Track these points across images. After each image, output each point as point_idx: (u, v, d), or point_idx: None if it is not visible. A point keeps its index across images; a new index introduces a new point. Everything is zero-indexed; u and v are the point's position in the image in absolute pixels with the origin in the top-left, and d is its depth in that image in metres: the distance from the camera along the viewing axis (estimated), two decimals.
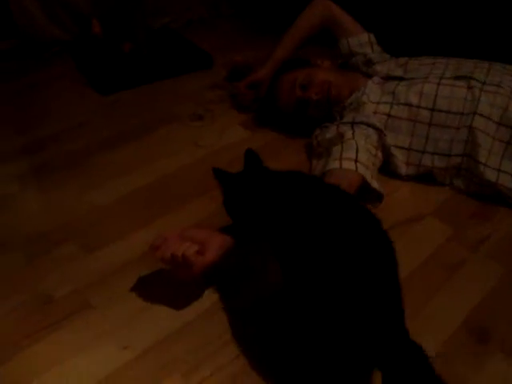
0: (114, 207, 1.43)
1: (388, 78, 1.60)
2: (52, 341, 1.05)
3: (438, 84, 1.48)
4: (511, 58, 1.59)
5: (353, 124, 1.49)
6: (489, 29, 1.91)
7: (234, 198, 0.99)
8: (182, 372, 1.00)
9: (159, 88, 2.06)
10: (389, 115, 1.51)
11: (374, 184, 1.38)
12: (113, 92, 2.01)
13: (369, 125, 1.49)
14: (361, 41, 1.77)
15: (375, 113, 1.53)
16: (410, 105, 1.49)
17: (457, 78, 1.48)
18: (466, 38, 1.92)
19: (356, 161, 1.36)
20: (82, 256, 1.26)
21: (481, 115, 1.42)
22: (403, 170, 1.52)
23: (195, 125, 1.81)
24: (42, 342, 1.05)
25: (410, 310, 1.12)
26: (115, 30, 2.30)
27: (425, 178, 1.53)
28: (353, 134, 1.45)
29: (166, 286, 1.17)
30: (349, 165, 1.35)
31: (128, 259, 1.25)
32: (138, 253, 1.26)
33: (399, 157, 1.52)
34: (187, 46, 2.31)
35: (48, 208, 1.43)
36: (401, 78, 1.56)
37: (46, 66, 2.24)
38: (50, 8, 2.29)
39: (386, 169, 1.54)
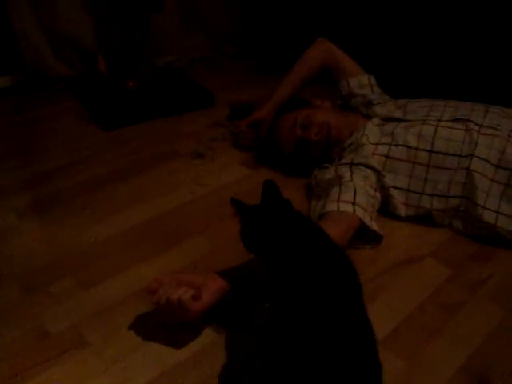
0: (113, 243, 1.43)
1: (387, 119, 1.62)
2: (46, 378, 1.04)
3: (437, 126, 1.49)
4: (508, 101, 1.62)
5: (351, 165, 1.51)
6: (486, 72, 1.95)
7: (251, 230, 0.98)
8: None
9: (161, 125, 2.09)
10: (387, 156, 1.52)
11: (374, 226, 1.39)
12: (115, 128, 2.04)
13: (367, 166, 1.50)
14: (361, 82, 1.80)
15: (374, 154, 1.54)
16: (408, 146, 1.50)
17: (455, 120, 1.50)
18: (464, 82, 1.96)
19: (354, 203, 1.36)
20: (79, 292, 1.26)
21: (478, 158, 1.43)
22: (402, 211, 1.53)
23: (196, 163, 1.83)
24: (40, 377, 1.04)
25: (408, 352, 1.12)
26: (120, 68, 2.34)
27: (424, 219, 1.53)
28: (351, 175, 1.46)
29: (163, 323, 1.16)
30: (346, 207, 1.35)
31: (125, 295, 1.24)
32: (135, 289, 1.25)
33: (398, 198, 1.52)
34: (190, 84, 2.35)
35: (47, 242, 1.43)
36: (400, 120, 1.58)
37: (51, 101, 2.28)
38: (57, 44, 2.34)
39: (385, 209, 1.54)
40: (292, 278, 0.86)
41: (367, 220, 1.37)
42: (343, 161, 1.56)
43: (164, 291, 1.07)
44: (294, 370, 0.76)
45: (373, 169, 1.50)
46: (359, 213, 1.35)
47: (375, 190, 1.49)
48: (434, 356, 1.12)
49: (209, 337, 1.14)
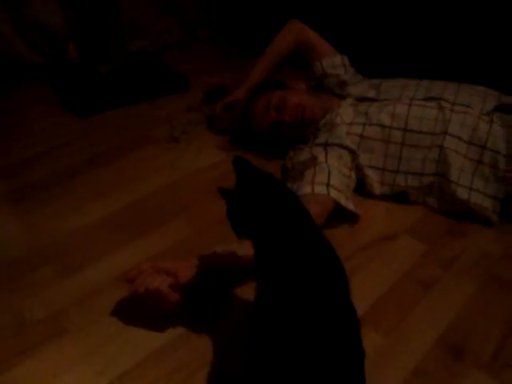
0: (92, 229, 1.43)
1: (361, 99, 1.63)
2: (27, 367, 1.04)
3: (410, 105, 1.51)
4: (480, 79, 1.64)
5: (326, 146, 1.52)
6: (458, 51, 1.96)
7: (235, 213, 0.95)
8: None
9: (136, 111, 2.07)
10: (361, 136, 1.54)
11: (350, 206, 1.40)
12: (90, 114, 2.02)
13: (342, 146, 1.51)
14: (334, 62, 1.81)
15: (348, 133, 1.55)
16: (382, 125, 1.52)
17: (427, 99, 1.52)
18: (436, 60, 1.97)
19: (328, 185, 1.37)
20: (58, 279, 1.25)
21: (451, 135, 1.45)
22: (378, 189, 1.55)
23: (171, 147, 1.82)
24: (17, 368, 1.03)
25: (386, 327, 1.15)
26: (92, 53, 2.31)
27: (398, 196, 1.55)
28: (326, 156, 1.47)
29: (143, 309, 1.17)
30: (321, 189, 1.36)
31: (105, 282, 1.24)
32: (115, 275, 1.25)
33: (373, 177, 1.54)
34: (163, 68, 2.33)
35: (25, 231, 1.42)
36: (374, 100, 1.59)
37: (22, 89, 2.24)
38: (26, 32, 2.30)
39: (361, 189, 1.56)
40: (277, 260, 0.85)
41: (343, 201, 1.38)
42: (318, 141, 1.56)
43: (142, 280, 1.08)
44: (279, 350, 0.77)
45: (347, 149, 1.51)
46: (334, 194, 1.37)
47: (350, 169, 1.50)
48: (411, 330, 1.14)
49: (189, 322, 1.14)
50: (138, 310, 1.16)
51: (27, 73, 2.34)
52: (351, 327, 0.82)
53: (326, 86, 1.82)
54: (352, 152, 1.51)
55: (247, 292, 1.17)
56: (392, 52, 2.12)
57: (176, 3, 2.71)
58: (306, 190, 1.37)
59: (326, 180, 1.39)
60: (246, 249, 1.09)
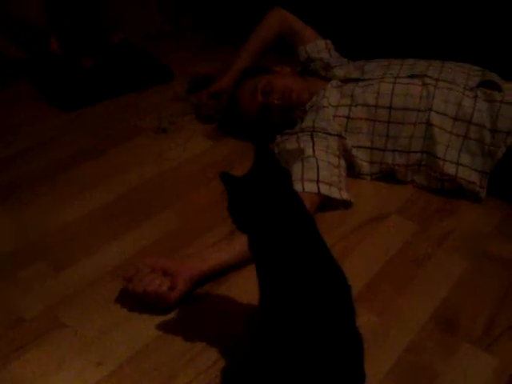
0: (82, 223, 1.42)
1: (346, 80, 1.63)
2: (25, 362, 1.04)
3: (394, 83, 1.52)
4: (464, 56, 1.65)
5: (312, 134, 1.52)
6: (441, 30, 1.97)
7: (238, 205, 0.89)
8: (159, 383, 1.00)
9: (122, 103, 2.06)
10: (348, 117, 1.54)
11: (344, 195, 1.42)
12: (75, 108, 2.00)
13: (328, 132, 1.52)
14: (318, 47, 1.81)
15: (335, 116, 1.56)
16: (367, 105, 1.53)
17: (411, 76, 1.53)
18: (420, 40, 1.98)
19: (318, 181, 1.38)
20: (51, 275, 1.25)
21: (436, 112, 1.47)
22: (367, 168, 1.56)
23: (159, 138, 1.81)
24: (15, 364, 1.04)
25: (380, 306, 1.16)
26: (74, 46, 2.29)
27: (387, 177, 1.57)
28: (313, 147, 1.48)
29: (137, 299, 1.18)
30: (311, 187, 1.37)
31: (98, 275, 1.24)
32: (107, 268, 1.26)
33: (362, 157, 1.55)
34: (147, 59, 2.31)
35: (14, 227, 1.42)
36: (358, 80, 1.60)
37: (5, 85, 2.21)
38: (6, 26, 2.27)
39: (350, 171, 1.57)
40: (275, 264, 0.84)
41: (335, 193, 1.40)
42: (304, 124, 1.57)
43: (139, 279, 1.12)
44: (282, 351, 0.79)
45: (334, 135, 1.52)
46: (324, 191, 1.38)
47: (338, 157, 1.51)
48: (405, 307, 1.16)
49: (183, 311, 1.15)
50: (133, 302, 1.16)
51: (9, 68, 2.31)
52: (350, 328, 0.84)
53: (311, 70, 1.81)
54: (339, 136, 1.52)
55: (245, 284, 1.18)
56: (376, 36, 2.12)
57: None
58: (297, 187, 1.35)
59: (315, 176, 1.39)
60: (234, 247, 1.20)
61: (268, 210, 0.85)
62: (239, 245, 1.16)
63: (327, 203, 1.42)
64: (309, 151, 1.47)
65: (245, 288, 1.16)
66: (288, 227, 0.85)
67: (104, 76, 2.14)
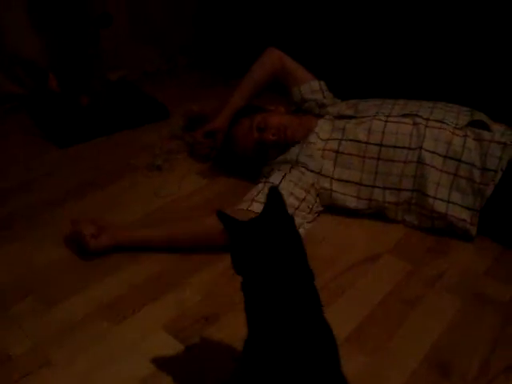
0: (72, 260, 1.41)
1: (340, 117, 1.66)
2: None
3: (386, 121, 1.55)
4: (454, 97, 1.68)
5: (292, 166, 1.57)
6: (433, 71, 2.01)
7: (241, 251, 0.88)
8: None
9: (117, 140, 2.07)
10: (337, 151, 1.57)
11: None
12: (71, 145, 2.01)
13: (307, 168, 1.56)
14: (312, 88, 1.84)
15: (324, 150, 1.58)
16: (358, 141, 1.55)
17: (403, 115, 1.56)
18: (411, 82, 2.01)
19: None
20: (40, 311, 1.24)
21: (427, 150, 1.49)
22: (353, 203, 1.57)
23: (154, 175, 1.82)
24: None
25: (371, 347, 1.15)
26: (72, 84, 2.32)
27: (378, 216, 1.58)
28: (283, 177, 1.52)
29: (127, 337, 1.17)
30: (256, 207, 1.40)
31: (88, 311, 1.24)
32: (98, 304, 1.25)
33: (349, 192, 1.56)
34: (143, 98, 2.34)
35: (5, 262, 1.41)
36: (351, 117, 1.62)
37: (2, 120, 2.23)
38: (5, 62, 2.30)
39: (339, 208, 1.59)
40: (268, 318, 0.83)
41: None
42: (288, 157, 1.61)
43: (76, 223, 1.42)
44: None
45: (312, 171, 1.56)
46: None
47: (307, 192, 1.53)
48: (397, 349, 1.15)
49: (174, 349, 1.14)
50: (123, 340, 1.16)
51: (6, 104, 2.33)
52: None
53: (305, 110, 1.84)
54: (317, 174, 1.56)
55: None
56: (369, 77, 2.16)
57: (154, 32, 2.73)
58: (243, 205, 1.43)
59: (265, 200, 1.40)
60: (163, 231, 1.46)
61: (264, 256, 0.85)
62: (168, 230, 1.45)
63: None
64: (275, 179, 1.52)
65: (235, 327, 1.15)
66: (283, 282, 0.84)
67: (100, 113, 2.17)
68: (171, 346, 1.14)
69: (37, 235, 1.51)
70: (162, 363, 1.10)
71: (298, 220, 1.43)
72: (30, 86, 2.40)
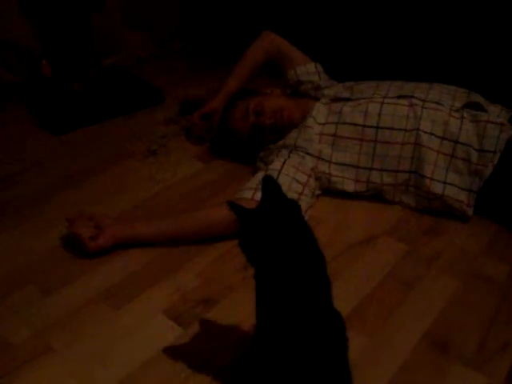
0: (70, 248, 1.40)
1: (336, 99, 1.66)
2: None
3: (382, 103, 1.55)
4: (450, 79, 1.68)
5: (291, 151, 1.56)
6: (429, 52, 2.00)
7: (248, 237, 0.89)
8: None
9: (112, 126, 2.06)
10: (335, 135, 1.57)
11: None
12: (66, 132, 2.00)
13: (307, 152, 1.56)
14: (308, 70, 1.83)
15: (321, 134, 1.58)
16: (355, 124, 1.55)
17: (399, 97, 1.56)
18: (408, 63, 2.01)
19: None
20: (40, 298, 1.24)
21: (423, 131, 1.49)
22: (351, 186, 1.57)
23: (150, 161, 1.82)
24: None
25: (371, 327, 1.16)
26: (66, 70, 2.30)
27: (376, 197, 1.58)
28: (284, 163, 1.50)
29: (127, 323, 1.17)
30: (260, 195, 1.38)
31: (87, 298, 1.24)
32: (97, 291, 1.25)
33: (347, 175, 1.57)
34: (138, 82, 2.33)
35: (5, 250, 1.40)
36: (348, 99, 1.62)
37: None
38: None
39: (337, 190, 1.59)
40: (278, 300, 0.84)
41: None
42: (287, 142, 1.60)
43: (73, 222, 1.38)
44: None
45: (312, 155, 1.56)
46: None
47: (309, 176, 1.53)
48: (396, 329, 1.16)
49: (174, 333, 1.15)
50: (123, 326, 1.16)
51: (1, 91, 2.31)
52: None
53: (301, 92, 1.84)
54: (317, 158, 1.56)
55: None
56: (365, 59, 2.15)
57: (148, 17, 2.71)
58: (247, 194, 1.41)
59: None
60: (161, 226, 1.41)
61: (277, 245, 0.85)
62: (166, 225, 1.41)
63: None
64: (277, 165, 1.50)
65: (235, 310, 1.18)
66: (295, 266, 0.84)
67: (95, 99, 2.15)
68: (171, 330, 1.15)
69: (34, 223, 1.50)
70: (162, 347, 1.10)
71: (303, 205, 1.43)
72: (23, 73, 2.38)
